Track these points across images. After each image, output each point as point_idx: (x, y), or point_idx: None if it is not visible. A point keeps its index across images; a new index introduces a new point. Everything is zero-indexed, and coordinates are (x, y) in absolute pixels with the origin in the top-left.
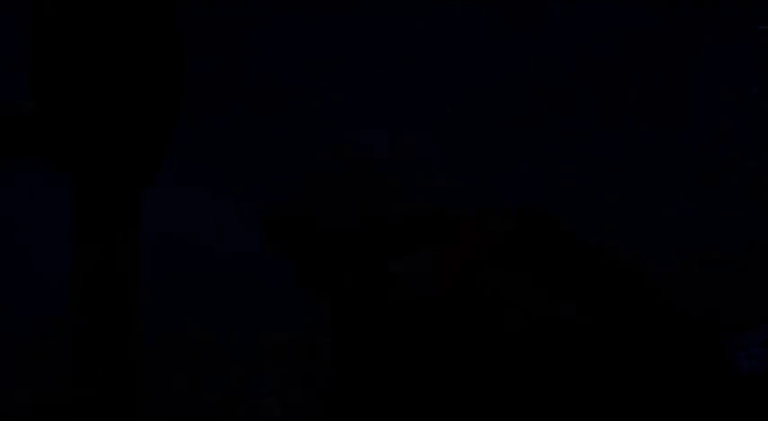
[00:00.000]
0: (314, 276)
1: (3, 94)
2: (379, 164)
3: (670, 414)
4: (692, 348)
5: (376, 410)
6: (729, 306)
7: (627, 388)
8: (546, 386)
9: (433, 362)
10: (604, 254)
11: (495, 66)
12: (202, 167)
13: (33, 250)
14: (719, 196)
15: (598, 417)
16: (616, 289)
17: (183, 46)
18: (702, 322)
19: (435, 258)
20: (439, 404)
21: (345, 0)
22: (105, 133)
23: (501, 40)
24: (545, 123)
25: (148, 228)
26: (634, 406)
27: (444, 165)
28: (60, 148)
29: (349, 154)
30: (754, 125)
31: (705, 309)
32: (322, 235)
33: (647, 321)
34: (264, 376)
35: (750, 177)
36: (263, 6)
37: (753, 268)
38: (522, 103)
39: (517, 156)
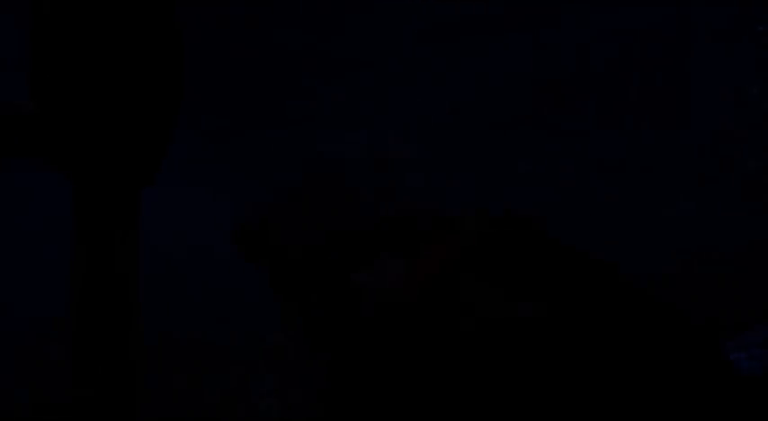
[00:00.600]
0: (282, 285)
1: (3, 94)
2: (373, 166)
3: (653, 414)
4: (682, 347)
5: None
6: (729, 306)
7: (593, 387)
8: (502, 387)
9: (395, 372)
10: (581, 255)
11: (495, 66)
12: (202, 167)
13: (33, 250)
14: (719, 196)
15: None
16: (589, 289)
17: (183, 46)
18: (698, 321)
19: (402, 265)
20: (404, 411)
21: (345, 1)
22: (105, 133)
23: (501, 40)
24: (545, 123)
25: (148, 228)
26: (601, 405)
27: (442, 166)
28: (60, 148)
29: (339, 157)
30: (753, 125)
31: (705, 309)
32: (291, 243)
33: (622, 321)
34: (264, 376)
35: (750, 177)
36: (264, 7)
37: (753, 268)
38: (522, 103)
39: (517, 156)
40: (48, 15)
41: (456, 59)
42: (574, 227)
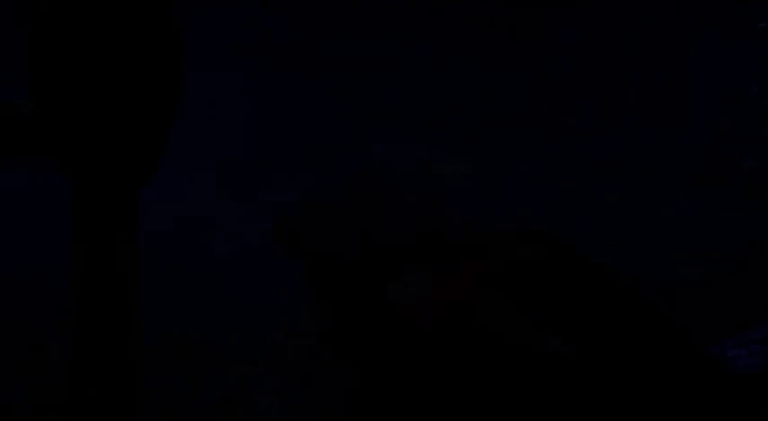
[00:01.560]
0: (316, 285)
1: (3, 94)
2: (382, 168)
3: None
4: (683, 369)
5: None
6: (729, 305)
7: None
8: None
9: (418, 389)
10: (611, 278)
11: (496, 65)
12: (204, 167)
13: (33, 250)
14: (719, 196)
15: None
16: (616, 318)
17: (181, 46)
18: (699, 321)
19: (435, 281)
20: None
21: (342, 2)
22: (103, 132)
23: (501, 39)
24: (545, 123)
25: (149, 227)
26: None
27: (445, 166)
28: (60, 148)
29: (362, 163)
30: (753, 124)
31: (705, 308)
32: (327, 245)
33: (643, 355)
34: (264, 376)
35: (750, 177)
36: (270, 5)
37: (753, 268)
38: (522, 103)
39: (517, 156)
40: (45, 15)
41: (455, 59)
42: (574, 226)
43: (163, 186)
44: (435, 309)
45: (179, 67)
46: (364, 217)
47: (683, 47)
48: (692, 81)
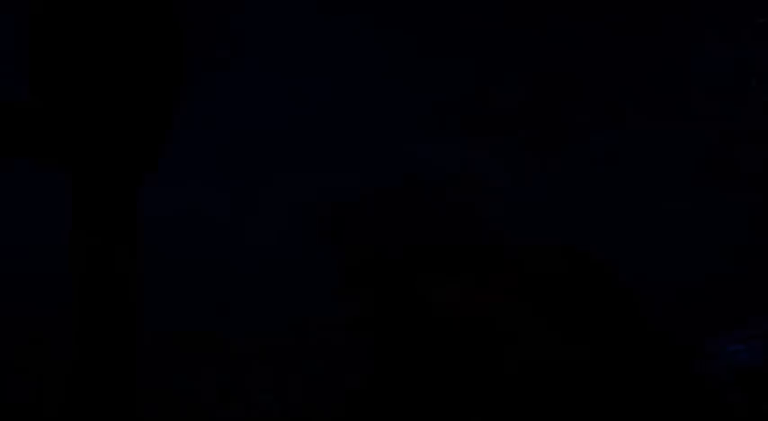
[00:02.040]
0: (358, 277)
1: (3, 95)
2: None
3: None
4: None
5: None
6: (729, 303)
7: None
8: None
9: (440, 382)
10: (625, 296)
11: (496, 65)
12: (204, 167)
13: (33, 249)
14: (719, 195)
15: None
16: (620, 335)
17: (183, 44)
18: (694, 330)
19: (471, 287)
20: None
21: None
22: (102, 131)
23: (499, 38)
24: (545, 123)
25: (149, 225)
26: None
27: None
28: (59, 147)
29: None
30: (754, 122)
31: (705, 305)
32: (371, 240)
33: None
34: (263, 373)
35: (750, 176)
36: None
37: (752, 266)
38: (523, 103)
39: (517, 156)
40: (45, 12)
41: (456, 58)
42: (573, 226)
43: (163, 184)
44: (468, 312)
45: (180, 64)
46: (407, 215)
47: (683, 47)
48: (692, 79)
